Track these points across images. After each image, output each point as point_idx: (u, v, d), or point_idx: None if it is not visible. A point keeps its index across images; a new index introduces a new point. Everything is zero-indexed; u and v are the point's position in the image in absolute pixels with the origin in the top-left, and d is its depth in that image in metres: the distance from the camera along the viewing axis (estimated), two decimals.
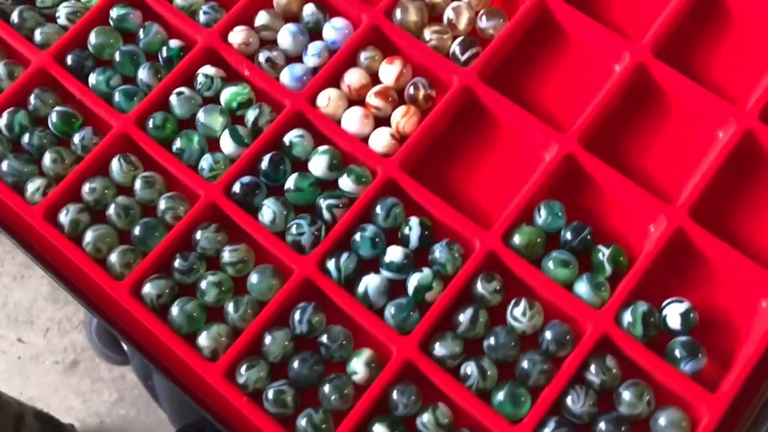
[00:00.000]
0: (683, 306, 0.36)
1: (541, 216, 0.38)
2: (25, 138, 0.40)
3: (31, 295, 1.09)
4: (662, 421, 0.34)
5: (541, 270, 0.37)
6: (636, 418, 0.34)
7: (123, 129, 0.40)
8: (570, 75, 0.42)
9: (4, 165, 0.40)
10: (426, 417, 0.34)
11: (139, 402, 1.03)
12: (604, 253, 0.37)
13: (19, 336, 1.05)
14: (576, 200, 0.39)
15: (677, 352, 0.35)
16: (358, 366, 0.35)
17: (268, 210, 0.38)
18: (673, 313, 0.36)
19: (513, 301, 0.36)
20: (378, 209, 0.38)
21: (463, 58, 0.41)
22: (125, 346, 0.92)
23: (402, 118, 0.40)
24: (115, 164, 0.40)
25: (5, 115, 0.41)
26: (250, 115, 0.40)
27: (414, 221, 0.38)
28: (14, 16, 0.43)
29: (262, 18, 0.42)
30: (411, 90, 0.41)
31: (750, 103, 0.39)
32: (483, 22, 0.42)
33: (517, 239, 0.37)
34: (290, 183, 0.39)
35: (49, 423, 0.68)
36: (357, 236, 0.38)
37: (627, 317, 0.35)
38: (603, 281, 0.36)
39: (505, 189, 0.40)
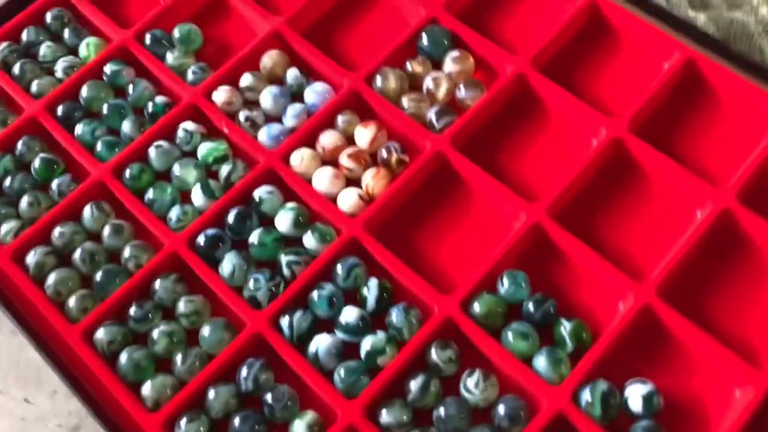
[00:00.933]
0: (646, 387, 0.34)
1: (504, 285, 0.37)
2: (7, 181, 0.42)
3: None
4: None
5: (500, 341, 0.36)
6: None
7: (100, 177, 0.42)
8: (546, 147, 0.42)
9: None
10: None
11: None
12: (566, 327, 0.36)
13: (26, 396, 1.06)
14: (543, 272, 0.38)
15: None
16: (300, 428, 0.34)
17: (228, 263, 0.38)
18: (635, 394, 0.34)
19: (467, 372, 0.35)
20: (338, 269, 0.38)
21: (438, 126, 0.42)
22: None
23: (372, 179, 0.40)
24: (87, 211, 0.41)
25: None
26: (224, 169, 0.41)
27: (373, 282, 0.37)
28: (16, 68, 0.46)
29: (246, 80, 0.44)
30: (384, 153, 0.41)
31: (729, 183, 0.39)
32: (461, 93, 0.43)
33: (476, 307, 0.36)
34: (254, 237, 0.39)
35: None
36: (314, 294, 0.37)
37: (586, 396, 0.34)
38: (563, 357, 0.35)
39: (471, 256, 0.39)
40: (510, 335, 0.36)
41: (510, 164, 0.42)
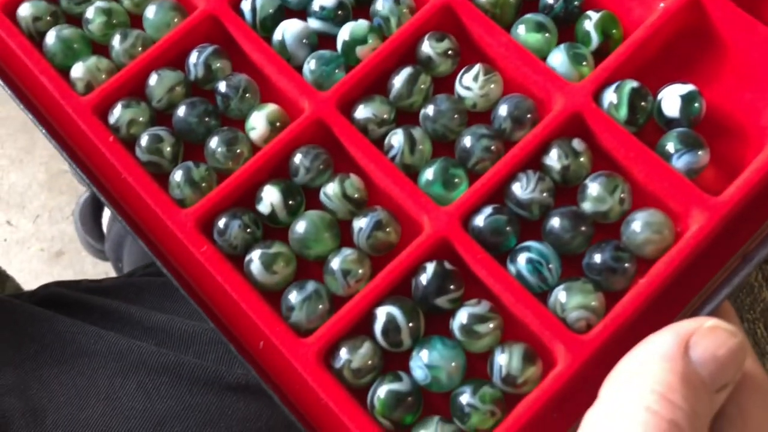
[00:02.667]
0: (686, 88, 0.28)
1: None
2: None
3: (27, 181, 1.08)
4: (636, 224, 0.26)
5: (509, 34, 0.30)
6: (602, 217, 0.27)
7: None
8: None
9: None
10: (331, 187, 0.28)
11: None
12: (591, 19, 0.29)
13: (9, 219, 1.04)
14: None
15: (670, 145, 0.27)
16: (258, 121, 0.29)
17: None
18: (672, 96, 0.28)
19: (465, 67, 0.29)
20: None
21: None
22: None
23: None
24: None
25: None
26: None
27: None
28: None
29: None
30: None
31: None
32: None
33: None
34: None
35: None
36: None
37: (610, 96, 0.28)
38: (585, 53, 0.29)
39: None
40: (522, 27, 0.30)
41: None
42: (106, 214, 0.91)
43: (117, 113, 0.29)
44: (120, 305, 0.47)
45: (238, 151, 0.29)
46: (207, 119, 0.29)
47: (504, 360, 0.25)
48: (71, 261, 1.05)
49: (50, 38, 0.31)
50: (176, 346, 0.45)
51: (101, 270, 1.03)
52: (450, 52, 0.30)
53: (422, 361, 0.25)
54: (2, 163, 1.06)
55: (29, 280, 1.02)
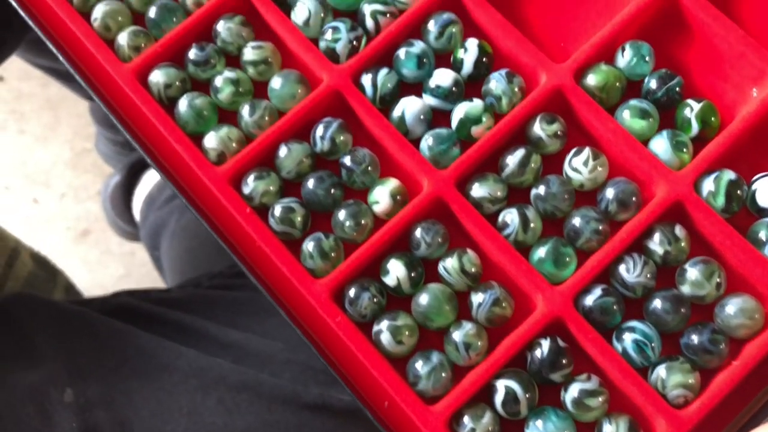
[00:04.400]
0: None
1: (625, 57, 0.33)
2: None
3: (52, 159, 1.10)
4: (731, 308, 0.30)
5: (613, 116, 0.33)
6: (699, 300, 0.31)
7: None
8: None
9: None
10: (450, 261, 0.31)
11: (146, 281, 1.03)
12: (692, 108, 0.33)
13: (35, 197, 1.07)
14: (669, 48, 0.35)
15: (762, 234, 0.31)
16: (382, 195, 0.32)
17: (303, 8, 0.35)
18: (765, 188, 0.31)
19: (575, 149, 0.33)
20: (431, 24, 0.34)
21: None
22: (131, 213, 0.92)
23: None
24: None
25: None
26: None
27: (472, 43, 0.34)
28: None
29: None
30: None
31: None
32: None
33: (591, 79, 0.33)
34: None
35: (44, 266, 0.68)
36: (401, 52, 0.34)
37: (708, 185, 0.31)
38: (686, 140, 0.32)
39: (586, 22, 0.35)
40: (626, 113, 0.33)
41: None
42: (138, 198, 0.94)
43: (251, 184, 0.32)
44: (195, 320, 0.51)
45: (363, 222, 0.32)
46: (333, 191, 0.33)
47: (611, 431, 0.29)
48: (97, 240, 1.08)
49: (183, 106, 0.34)
50: (253, 364, 0.49)
51: (127, 249, 1.06)
52: (559, 133, 0.33)
53: (538, 430, 0.29)
54: (27, 141, 1.08)
55: (57, 259, 1.05)
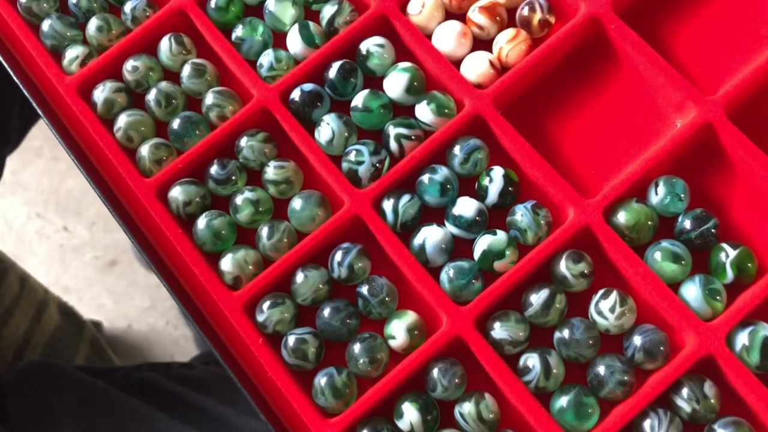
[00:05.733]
0: None
1: (658, 194, 0.32)
2: None
3: (84, 187, 1.11)
4: None
5: (644, 260, 0.32)
6: None
7: (180, 5, 0.37)
8: (722, 25, 0.35)
9: (46, 25, 0.37)
10: (467, 407, 0.31)
11: (170, 314, 1.04)
12: (728, 253, 0.31)
13: (66, 224, 1.08)
14: (704, 184, 0.34)
15: None
16: (398, 330, 0.32)
17: (327, 128, 0.34)
18: None
19: (601, 292, 0.32)
20: (456, 150, 0.34)
21: None
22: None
23: (508, 43, 0.35)
24: (165, 44, 0.36)
25: None
26: (327, 11, 0.36)
27: (497, 172, 0.33)
28: None
29: None
30: (525, 11, 0.36)
31: None
32: None
33: (621, 217, 0.32)
34: (358, 100, 0.35)
35: (70, 319, 0.69)
36: (425, 177, 0.33)
37: (743, 338, 0.30)
38: (719, 288, 0.31)
39: (617, 154, 0.34)
40: (658, 254, 0.32)
41: (685, 46, 0.35)
42: None
43: (266, 312, 0.32)
44: (215, 407, 0.50)
45: (379, 357, 0.31)
46: (349, 321, 0.32)
47: None
48: (124, 271, 1.08)
49: (201, 225, 0.34)
50: None
51: (153, 281, 1.07)
52: (586, 272, 0.32)
53: None
54: (60, 168, 1.10)
55: (83, 288, 1.06)
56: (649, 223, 0.32)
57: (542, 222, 0.32)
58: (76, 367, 0.54)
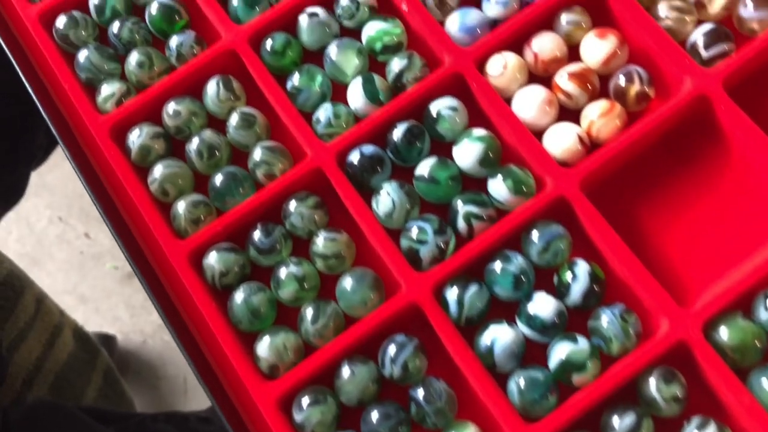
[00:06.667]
0: None
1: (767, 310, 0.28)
2: (114, 27, 0.34)
3: None
4: None
5: (746, 386, 0.27)
6: None
7: (232, 44, 0.33)
8: None
9: (82, 56, 0.34)
10: None
11: None
12: None
13: (87, 231, 1.06)
14: None
15: None
16: None
17: (387, 198, 0.30)
18: None
19: (696, 420, 0.27)
20: (535, 236, 0.30)
21: (705, 55, 0.31)
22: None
23: (600, 117, 0.31)
24: (212, 87, 0.33)
25: None
26: (395, 65, 0.32)
27: (582, 267, 0.29)
28: None
29: None
30: (621, 80, 0.31)
31: None
32: (747, 11, 0.32)
33: (724, 333, 0.28)
34: (424, 168, 0.31)
35: (85, 345, 0.65)
36: (496, 266, 0.29)
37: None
38: None
39: (721, 256, 0.30)
40: (764, 381, 0.27)
41: None
42: None
43: (305, 410, 0.28)
44: None
45: None
46: (400, 430, 0.28)
47: None
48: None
49: (238, 299, 0.30)
50: None
51: None
52: (679, 396, 0.27)
53: None
54: None
55: (100, 298, 1.04)
56: (757, 343, 0.28)
57: (631, 331, 0.28)
58: (86, 410, 0.50)
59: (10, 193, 0.61)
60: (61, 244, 1.06)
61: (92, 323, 1.01)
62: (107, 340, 0.92)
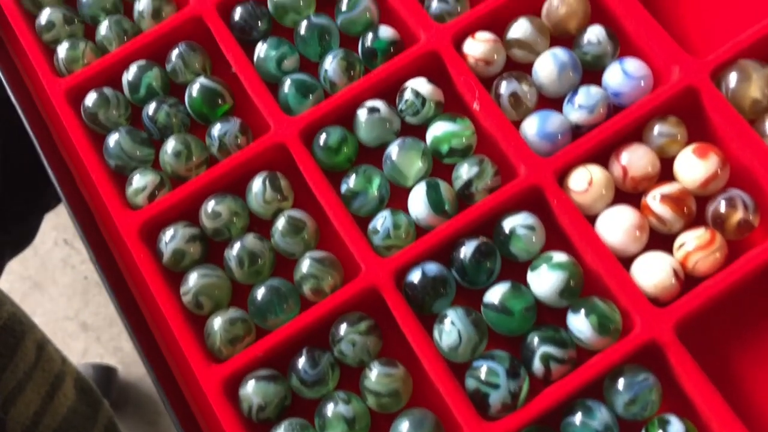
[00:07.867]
0: None
1: None
2: (150, 108, 0.31)
3: None
4: None
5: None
6: None
7: (282, 137, 0.30)
8: None
9: (112, 140, 0.30)
10: None
11: None
12: None
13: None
14: None
15: None
16: None
17: (452, 329, 0.27)
18: None
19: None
20: (621, 385, 0.26)
21: None
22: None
23: (698, 250, 0.27)
24: (257, 186, 0.29)
25: (133, 67, 0.31)
26: (464, 171, 0.29)
27: (675, 425, 0.25)
28: None
29: (519, 29, 0.31)
30: (722, 206, 0.28)
31: None
32: None
33: None
34: (494, 296, 0.27)
35: (87, 398, 0.62)
36: (576, 419, 0.26)
37: None
38: None
39: None
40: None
41: None
42: None
43: None
44: None
45: None
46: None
47: None
48: None
49: None
50: None
51: None
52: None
53: None
54: None
55: (102, 327, 1.01)
56: None
57: None
58: None
59: (22, 240, 0.59)
60: (65, 268, 1.04)
61: (92, 353, 0.98)
62: (108, 372, 0.88)
